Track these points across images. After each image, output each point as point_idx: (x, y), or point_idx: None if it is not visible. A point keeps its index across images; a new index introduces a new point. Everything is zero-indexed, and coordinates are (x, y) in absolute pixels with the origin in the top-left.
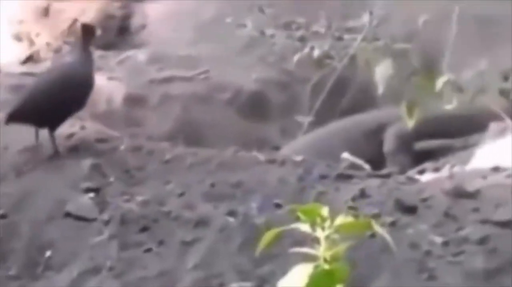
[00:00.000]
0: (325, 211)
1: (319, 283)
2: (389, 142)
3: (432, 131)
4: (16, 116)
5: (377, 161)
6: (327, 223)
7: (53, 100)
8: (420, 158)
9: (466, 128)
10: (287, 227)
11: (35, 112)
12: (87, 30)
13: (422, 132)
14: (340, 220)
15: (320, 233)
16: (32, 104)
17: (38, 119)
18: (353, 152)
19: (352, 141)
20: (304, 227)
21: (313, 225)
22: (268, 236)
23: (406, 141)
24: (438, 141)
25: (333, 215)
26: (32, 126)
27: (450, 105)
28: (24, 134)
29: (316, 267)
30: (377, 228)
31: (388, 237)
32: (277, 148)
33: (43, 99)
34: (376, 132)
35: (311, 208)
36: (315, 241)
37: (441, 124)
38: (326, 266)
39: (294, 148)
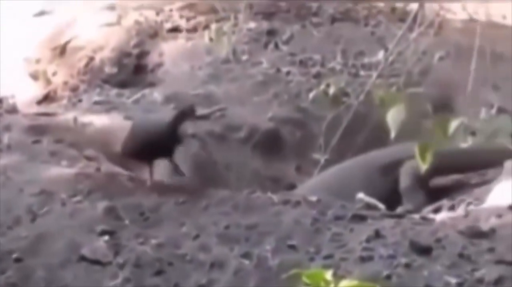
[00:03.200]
0: (329, 275)
1: None
2: (404, 179)
3: (448, 167)
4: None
5: (393, 197)
6: None
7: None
8: (436, 194)
9: (482, 165)
10: None
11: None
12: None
13: (438, 168)
14: (344, 283)
15: None
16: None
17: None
18: (369, 189)
19: (368, 178)
20: None
21: None
22: None
23: (422, 178)
24: (454, 177)
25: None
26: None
27: (465, 144)
28: (39, 177)
29: None
30: None
31: None
32: (292, 186)
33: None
34: (392, 168)
35: (316, 272)
36: None
37: (457, 160)
38: None
39: (309, 186)
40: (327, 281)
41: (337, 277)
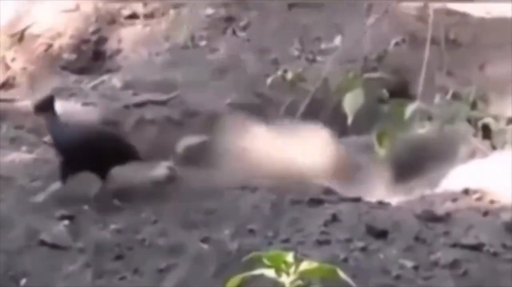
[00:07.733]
0: (289, 257)
1: None
2: None
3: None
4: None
5: None
6: (292, 269)
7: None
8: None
9: (438, 150)
10: (251, 273)
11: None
12: None
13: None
14: (305, 265)
15: (285, 279)
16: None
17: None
18: None
19: None
20: (269, 273)
21: (278, 271)
22: (232, 283)
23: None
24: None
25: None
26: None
27: (422, 130)
28: None
29: None
30: (342, 275)
31: (352, 283)
32: None
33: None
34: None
35: (276, 254)
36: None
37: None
38: None
39: None
40: (288, 263)
41: (296, 260)
